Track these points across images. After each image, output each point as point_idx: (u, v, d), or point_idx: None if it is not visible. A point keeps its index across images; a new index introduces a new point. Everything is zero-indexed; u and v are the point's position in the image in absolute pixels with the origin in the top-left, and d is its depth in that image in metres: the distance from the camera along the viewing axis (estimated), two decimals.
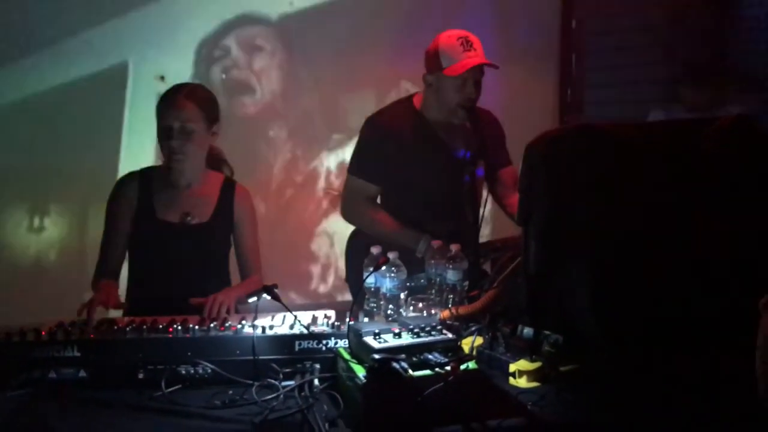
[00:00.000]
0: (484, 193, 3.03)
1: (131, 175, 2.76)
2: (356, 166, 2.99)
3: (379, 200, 3.09)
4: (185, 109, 2.60)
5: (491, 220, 3.14)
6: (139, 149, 4.20)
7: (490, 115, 3.14)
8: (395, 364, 1.77)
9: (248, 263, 2.80)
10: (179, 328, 2.08)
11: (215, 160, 2.87)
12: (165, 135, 2.60)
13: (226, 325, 2.13)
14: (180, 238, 2.67)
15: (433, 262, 2.48)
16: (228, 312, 2.39)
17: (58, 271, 4.25)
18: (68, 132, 4.21)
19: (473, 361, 1.92)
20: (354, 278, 2.92)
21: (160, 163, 2.79)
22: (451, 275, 2.42)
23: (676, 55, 3.95)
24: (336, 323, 2.14)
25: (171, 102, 2.61)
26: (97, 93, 4.21)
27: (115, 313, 2.51)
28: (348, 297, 2.16)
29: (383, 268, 2.28)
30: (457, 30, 2.85)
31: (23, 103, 4.13)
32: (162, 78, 4.21)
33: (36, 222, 4.27)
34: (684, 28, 3.92)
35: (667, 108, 3.92)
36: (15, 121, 4.14)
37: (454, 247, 2.43)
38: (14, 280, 4.14)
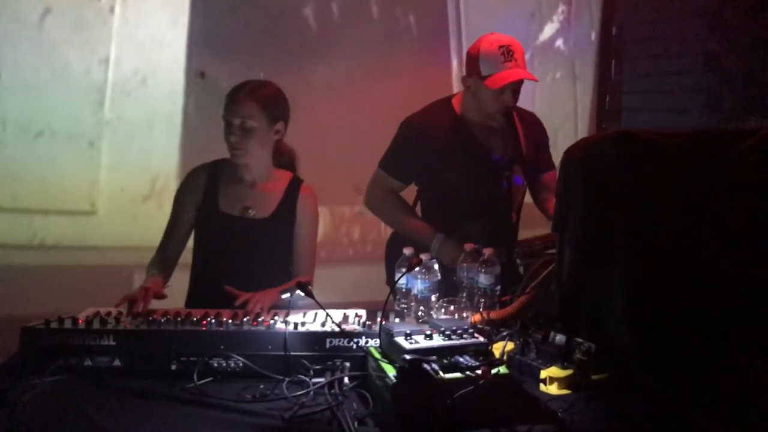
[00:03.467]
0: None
1: (201, 167, 2.82)
2: (386, 162, 3.02)
3: (417, 201, 3.13)
4: (245, 106, 2.65)
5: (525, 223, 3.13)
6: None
7: (533, 117, 3.14)
8: (426, 366, 1.77)
9: (301, 264, 2.80)
10: (213, 321, 2.11)
11: (287, 161, 2.90)
12: (225, 130, 2.67)
13: (259, 320, 2.15)
14: (239, 231, 2.71)
15: (465, 265, 2.48)
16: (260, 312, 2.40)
17: (102, 269, 4.31)
18: (125, 126, 4.31)
19: (504, 365, 1.91)
20: (394, 282, 2.93)
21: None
22: (483, 279, 2.41)
23: (717, 65, 3.89)
24: (367, 322, 2.15)
25: (233, 98, 2.67)
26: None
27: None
28: (381, 299, 2.16)
29: (416, 269, 2.28)
30: (500, 35, 2.84)
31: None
32: (202, 74, 4.28)
33: (80, 218, 4.33)
34: (726, 37, 3.86)
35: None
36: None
37: (486, 251, 2.42)
38: (58, 274, 4.21)
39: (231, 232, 2.71)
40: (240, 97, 2.66)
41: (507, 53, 2.79)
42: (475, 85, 2.87)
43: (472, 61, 2.86)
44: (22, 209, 4.25)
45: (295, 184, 2.82)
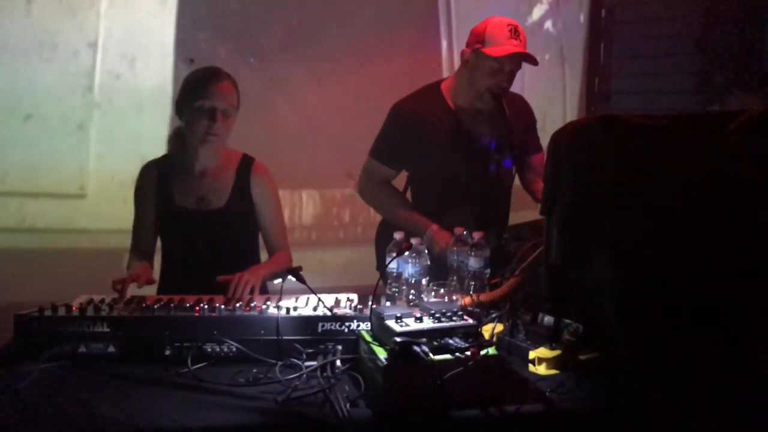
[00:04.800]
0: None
1: (150, 164, 2.80)
2: (376, 150, 3.03)
3: (408, 186, 3.15)
4: (230, 92, 2.63)
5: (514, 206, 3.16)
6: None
7: (521, 99, 3.15)
8: (416, 348, 1.79)
9: (274, 241, 2.82)
10: (206, 306, 2.13)
11: None
12: (208, 115, 2.60)
13: (251, 305, 2.17)
14: (198, 224, 2.71)
15: (455, 249, 2.50)
16: (252, 291, 2.42)
17: (91, 252, 4.31)
18: (114, 109, 4.30)
19: (493, 347, 1.94)
20: (383, 268, 2.95)
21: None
22: (473, 262, 2.44)
23: (706, 46, 3.90)
24: (359, 306, 2.17)
25: (213, 82, 2.62)
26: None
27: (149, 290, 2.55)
28: (372, 282, 2.18)
29: (406, 253, 2.30)
30: (509, 18, 2.87)
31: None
32: (191, 61, 4.26)
33: (70, 201, 4.33)
34: (715, 19, 3.86)
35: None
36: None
37: (476, 235, 2.45)
38: (48, 258, 4.21)
39: (189, 224, 2.71)
40: (224, 81, 2.64)
41: (514, 32, 2.83)
42: (475, 58, 2.87)
43: (477, 35, 2.87)
44: (11, 192, 4.25)
45: (246, 165, 2.79)
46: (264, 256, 2.88)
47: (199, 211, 2.71)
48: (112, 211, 4.32)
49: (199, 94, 2.62)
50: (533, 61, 2.87)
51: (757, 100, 3.72)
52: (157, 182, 2.74)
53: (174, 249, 2.76)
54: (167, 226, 2.75)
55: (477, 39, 2.86)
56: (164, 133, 4.37)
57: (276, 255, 2.78)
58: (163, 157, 2.81)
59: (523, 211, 2.95)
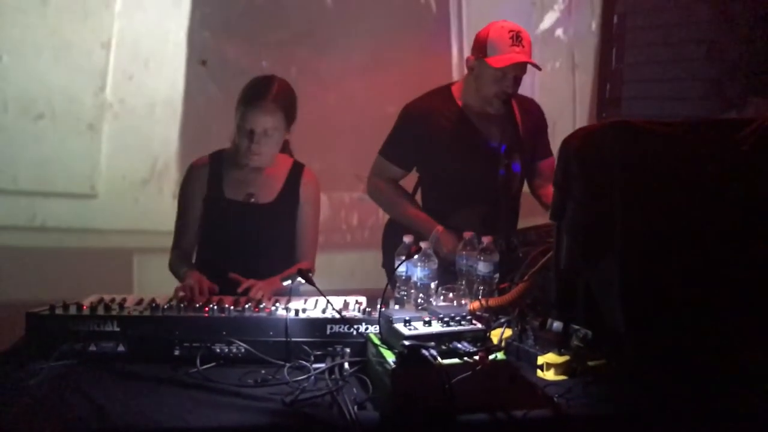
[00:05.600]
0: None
1: (202, 160, 2.82)
2: (386, 149, 3.04)
3: (417, 187, 3.14)
4: (270, 113, 2.63)
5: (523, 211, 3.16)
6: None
7: (533, 103, 3.15)
8: (425, 351, 1.80)
9: (302, 248, 2.82)
10: (215, 307, 2.14)
11: (284, 149, 2.88)
12: (247, 136, 2.63)
13: (260, 306, 2.18)
14: (244, 217, 2.73)
15: (464, 253, 2.50)
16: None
17: (102, 251, 4.33)
18: (126, 109, 4.32)
19: (502, 351, 1.94)
20: (389, 265, 2.95)
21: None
22: (482, 267, 2.44)
23: (719, 53, 3.89)
24: (367, 309, 2.17)
25: (256, 105, 2.62)
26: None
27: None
28: (379, 285, 2.18)
29: (415, 257, 2.31)
30: (512, 23, 2.86)
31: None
32: (204, 62, 4.28)
33: (81, 201, 4.35)
34: (727, 26, 3.85)
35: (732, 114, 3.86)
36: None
37: (485, 240, 2.45)
38: (58, 257, 4.23)
39: (236, 217, 2.73)
40: (265, 104, 2.63)
41: (516, 38, 2.81)
42: (479, 66, 2.87)
43: (480, 42, 2.87)
44: (22, 191, 4.27)
45: (297, 169, 2.83)
46: None
47: (247, 205, 2.74)
48: (122, 210, 4.35)
49: (242, 113, 2.64)
50: (536, 67, 2.86)
51: None
52: (210, 176, 2.77)
53: (214, 241, 2.78)
54: (213, 219, 2.77)
55: (480, 47, 2.85)
56: (176, 133, 4.42)
57: (298, 264, 2.75)
58: (217, 152, 2.83)
59: (531, 217, 2.95)
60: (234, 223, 2.73)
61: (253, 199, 2.74)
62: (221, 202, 2.74)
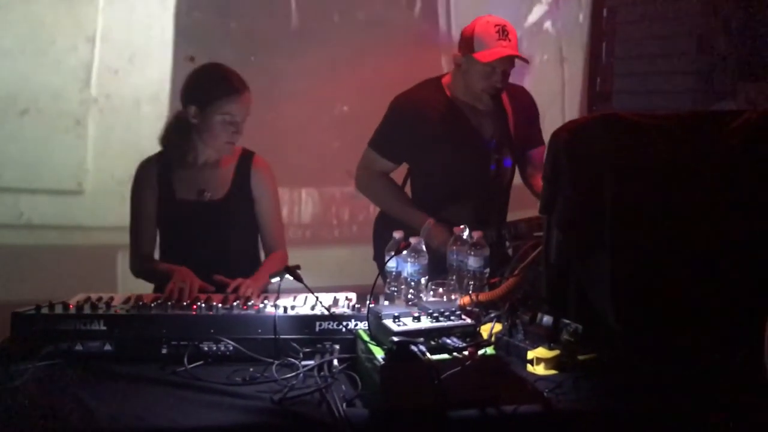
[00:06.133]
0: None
1: (149, 160, 2.79)
2: (376, 141, 3.03)
3: (407, 179, 3.15)
4: (249, 102, 2.66)
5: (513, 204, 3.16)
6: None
7: (523, 91, 3.15)
8: (414, 347, 1.79)
9: (270, 238, 2.80)
10: (203, 305, 2.12)
11: None
12: (233, 128, 2.63)
13: (249, 304, 2.16)
14: (198, 216, 2.71)
15: (454, 248, 2.50)
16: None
17: (87, 251, 4.30)
18: (112, 105, 4.28)
19: (491, 346, 1.94)
20: (380, 258, 2.95)
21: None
22: (472, 262, 2.44)
23: (709, 46, 3.89)
24: (356, 305, 2.17)
25: (238, 95, 2.63)
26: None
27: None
28: (369, 281, 2.17)
29: (404, 252, 2.30)
30: (497, 18, 2.86)
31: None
32: (192, 59, 4.24)
33: (67, 198, 4.32)
34: (717, 19, 3.85)
35: (723, 104, 3.87)
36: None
37: (475, 234, 2.44)
38: (44, 254, 4.20)
39: (190, 217, 2.71)
40: (246, 96, 2.65)
41: (502, 32, 2.81)
42: (467, 62, 2.87)
43: (466, 39, 2.86)
44: (7, 188, 4.23)
45: (246, 159, 2.79)
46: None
47: (199, 203, 2.71)
48: (109, 207, 4.30)
49: (223, 106, 2.63)
50: (525, 61, 2.86)
51: (764, 90, 3.72)
52: (158, 176, 2.73)
53: (174, 243, 2.75)
54: (168, 220, 2.74)
55: (466, 43, 2.85)
56: (162, 128, 4.38)
57: (272, 256, 2.77)
58: (160, 152, 2.80)
59: (523, 210, 2.94)
60: (189, 223, 2.71)
61: (206, 196, 2.71)
62: (173, 203, 2.71)
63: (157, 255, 2.81)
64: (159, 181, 2.73)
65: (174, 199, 2.71)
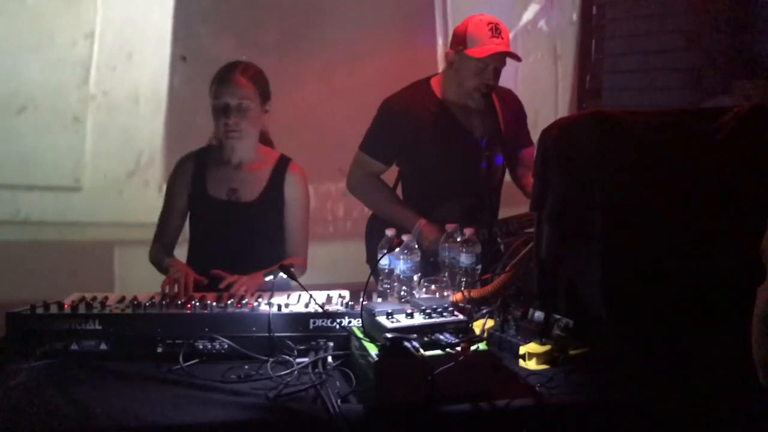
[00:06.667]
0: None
1: (188, 155, 2.82)
2: (366, 144, 3.04)
3: (398, 180, 3.15)
4: (241, 86, 2.65)
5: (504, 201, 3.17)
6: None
7: (511, 94, 3.16)
8: (407, 343, 1.81)
9: (292, 244, 2.80)
10: (197, 304, 2.14)
11: (266, 139, 2.89)
12: (223, 112, 2.64)
13: (243, 302, 2.18)
14: (228, 215, 2.72)
15: (446, 245, 2.51)
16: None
17: (84, 247, 4.32)
18: (110, 101, 4.28)
19: (484, 342, 1.95)
20: (373, 260, 2.96)
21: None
22: (464, 258, 2.45)
23: (698, 43, 3.89)
24: (350, 303, 2.18)
25: (227, 79, 2.65)
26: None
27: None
28: (362, 277, 2.19)
29: (397, 250, 2.31)
30: (489, 16, 2.88)
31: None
32: (183, 58, 4.25)
33: (65, 194, 4.33)
34: (707, 16, 3.86)
35: (717, 100, 3.87)
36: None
37: (467, 231, 2.46)
38: (41, 251, 4.22)
39: (219, 215, 2.72)
40: (235, 77, 2.65)
41: (495, 30, 2.83)
42: (459, 60, 2.88)
43: (459, 37, 2.87)
44: (5, 185, 4.24)
45: (283, 164, 2.81)
46: None
47: (229, 203, 2.73)
48: (107, 204, 4.33)
49: (213, 92, 2.67)
50: (517, 58, 2.87)
51: (759, 85, 3.72)
52: (194, 172, 2.76)
53: (202, 240, 2.78)
54: (198, 216, 2.77)
55: (459, 40, 2.86)
56: (160, 125, 4.39)
57: (289, 260, 2.74)
58: (203, 148, 2.83)
59: (514, 206, 2.95)
60: (217, 221, 2.72)
61: (235, 197, 2.73)
62: (204, 199, 2.74)
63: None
64: (194, 176, 2.76)
65: (205, 196, 2.74)
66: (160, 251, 2.74)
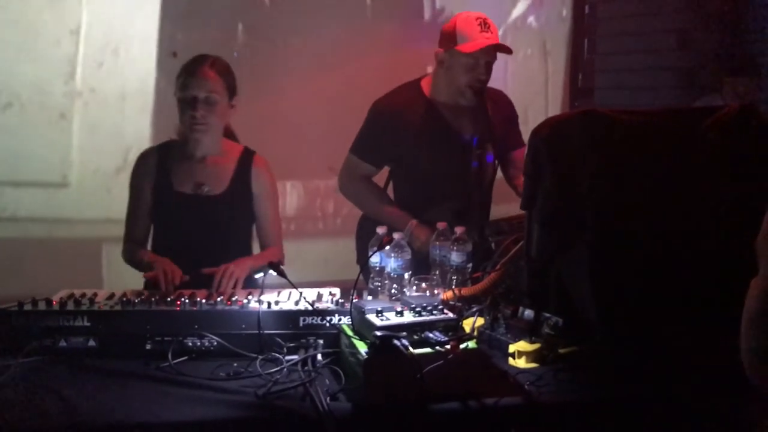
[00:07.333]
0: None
1: (149, 150, 2.80)
2: (357, 146, 3.03)
3: (389, 181, 3.15)
4: (210, 79, 2.63)
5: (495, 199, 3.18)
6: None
7: (502, 95, 3.16)
8: (396, 341, 1.81)
9: (267, 235, 2.81)
10: (186, 301, 2.13)
11: (229, 133, 2.88)
12: (190, 105, 2.62)
13: (233, 299, 2.17)
14: (194, 209, 2.70)
15: (437, 243, 2.51)
16: (235, 285, 2.43)
17: (72, 243, 4.29)
18: (97, 98, 4.26)
19: (473, 340, 1.96)
20: (364, 261, 2.96)
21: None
22: (455, 257, 2.45)
23: (690, 42, 3.92)
24: (340, 300, 2.18)
25: (194, 72, 2.63)
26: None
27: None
28: (353, 275, 2.19)
29: (387, 248, 2.31)
30: (476, 12, 2.88)
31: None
32: (174, 54, 4.23)
33: (53, 190, 4.30)
34: (699, 15, 3.88)
35: (709, 98, 3.89)
36: None
37: (458, 230, 2.46)
38: (29, 247, 4.19)
39: (186, 210, 2.70)
40: (203, 70, 2.64)
41: (483, 25, 2.83)
42: (450, 58, 2.88)
43: (448, 34, 2.87)
44: None
45: (248, 157, 2.80)
46: (256, 249, 2.87)
47: (196, 197, 2.71)
48: (94, 200, 4.30)
49: (180, 84, 2.65)
50: (507, 51, 2.88)
51: (749, 83, 3.75)
52: (157, 167, 2.74)
53: (167, 235, 2.75)
54: (163, 212, 2.74)
55: (448, 38, 2.86)
56: (147, 122, 4.36)
57: (267, 250, 2.78)
58: (164, 143, 2.81)
59: (504, 204, 2.96)
60: (185, 216, 2.70)
61: (204, 189, 2.71)
62: (170, 195, 2.71)
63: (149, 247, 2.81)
64: (158, 171, 2.73)
65: (171, 191, 2.71)
66: (134, 250, 2.71)
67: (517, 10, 4.74)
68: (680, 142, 2.11)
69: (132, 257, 2.70)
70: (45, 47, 4.18)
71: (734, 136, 2.10)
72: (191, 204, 2.70)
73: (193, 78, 2.63)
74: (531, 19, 4.76)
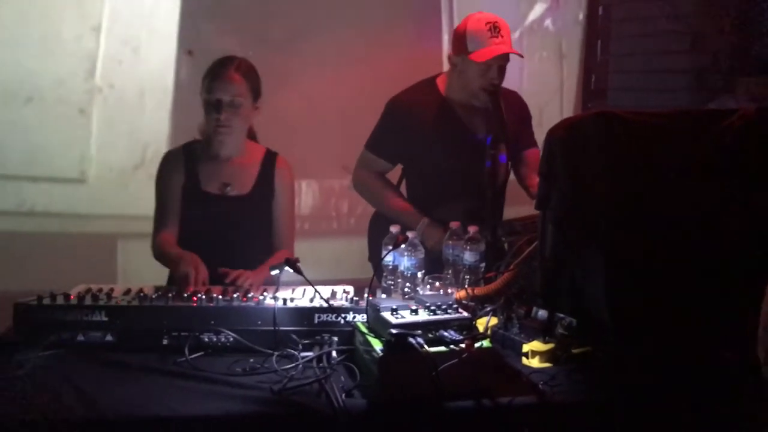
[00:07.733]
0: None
1: (175, 151, 2.83)
2: (372, 143, 3.04)
3: (402, 179, 3.16)
4: (235, 82, 2.65)
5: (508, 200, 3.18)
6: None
7: (516, 95, 3.15)
8: (411, 339, 1.82)
9: (280, 237, 2.83)
10: (203, 297, 2.15)
11: (252, 134, 2.90)
12: (215, 108, 2.65)
13: (249, 296, 2.19)
14: (221, 209, 2.73)
15: (450, 243, 2.52)
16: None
17: (88, 239, 4.33)
18: (116, 95, 4.30)
19: (487, 339, 1.96)
20: (375, 259, 2.97)
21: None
22: (468, 256, 2.46)
23: (704, 44, 3.90)
24: (355, 298, 2.19)
25: (220, 75, 2.66)
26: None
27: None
28: (366, 274, 2.20)
29: (401, 246, 2.32)
30: (487, 14, 2.86)
31: None
32: (190, 52, 4.26)
33: (70, 186, 4.33)
34: (711, 17, 3.86)
35: (722, 100, 3.87)
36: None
37: (471, 229, 2.47)
38: (46, 243, 4.23)
39: (212, 209, 2.73)
40: (229, 73, 2.66)
41: (494, 29, 2.81)
42: (461, 62, 2.87)
43: (459, 38, 2.87)
44: (10, 176, 4.24)
45: (270, 158, 2.83)
46: None
47: (223, 197, 2.74)
48: (111, 196, 4.33)
49: (206, 87, 2.68)
50: (519, 55, 2.87)
51: (764, 83, 3.73)
52: (186, 166, 2.77)
53: (191, 233, 2.77)
54: (190, 211, 2.77)
55: (460, 43, 2.85)
56: (165, 119, 4.40)
57: (278, 254, 2.77)
58: (188, 143, 2.83)
59: (518, 206, 2.96)
60: (211, 215, 2.73)
61: (229, 190, 2.74)
62: (198, 194, 2.74)
63: None
64: (186, 171, 2.76)
65: (199, 190, 2.74)
66: (162, 244, 2.71)
67: (534, 13, 4.73)
68: (697, 144, 2.10)
69: (161, 252, 2.71)
70: (66, 43, 4.22)
71: (752, 138, 2.08)
72: (218, 204, 2.73)
73: (219, 81, 2.65)
74: (548, 22, 4.74)
